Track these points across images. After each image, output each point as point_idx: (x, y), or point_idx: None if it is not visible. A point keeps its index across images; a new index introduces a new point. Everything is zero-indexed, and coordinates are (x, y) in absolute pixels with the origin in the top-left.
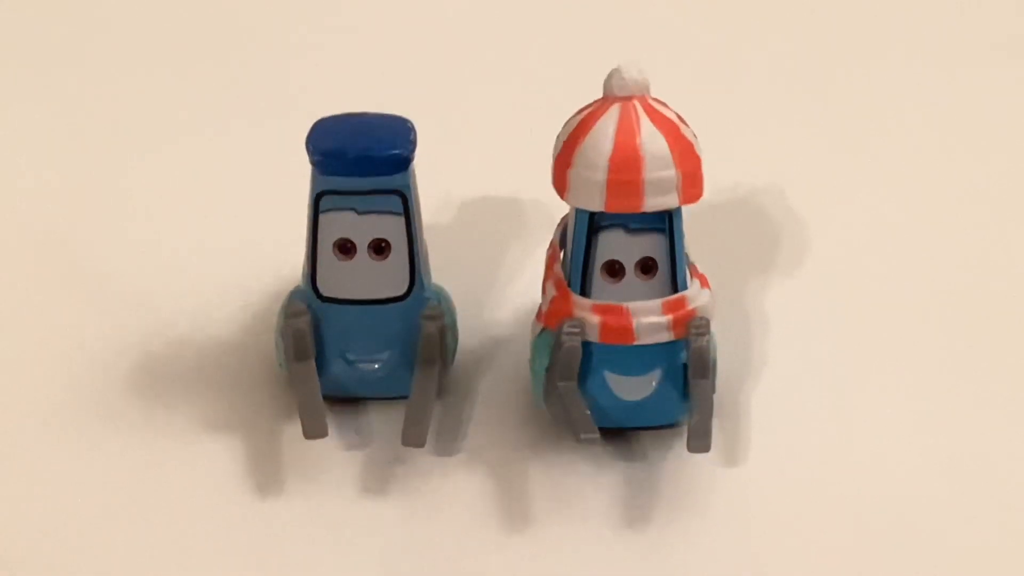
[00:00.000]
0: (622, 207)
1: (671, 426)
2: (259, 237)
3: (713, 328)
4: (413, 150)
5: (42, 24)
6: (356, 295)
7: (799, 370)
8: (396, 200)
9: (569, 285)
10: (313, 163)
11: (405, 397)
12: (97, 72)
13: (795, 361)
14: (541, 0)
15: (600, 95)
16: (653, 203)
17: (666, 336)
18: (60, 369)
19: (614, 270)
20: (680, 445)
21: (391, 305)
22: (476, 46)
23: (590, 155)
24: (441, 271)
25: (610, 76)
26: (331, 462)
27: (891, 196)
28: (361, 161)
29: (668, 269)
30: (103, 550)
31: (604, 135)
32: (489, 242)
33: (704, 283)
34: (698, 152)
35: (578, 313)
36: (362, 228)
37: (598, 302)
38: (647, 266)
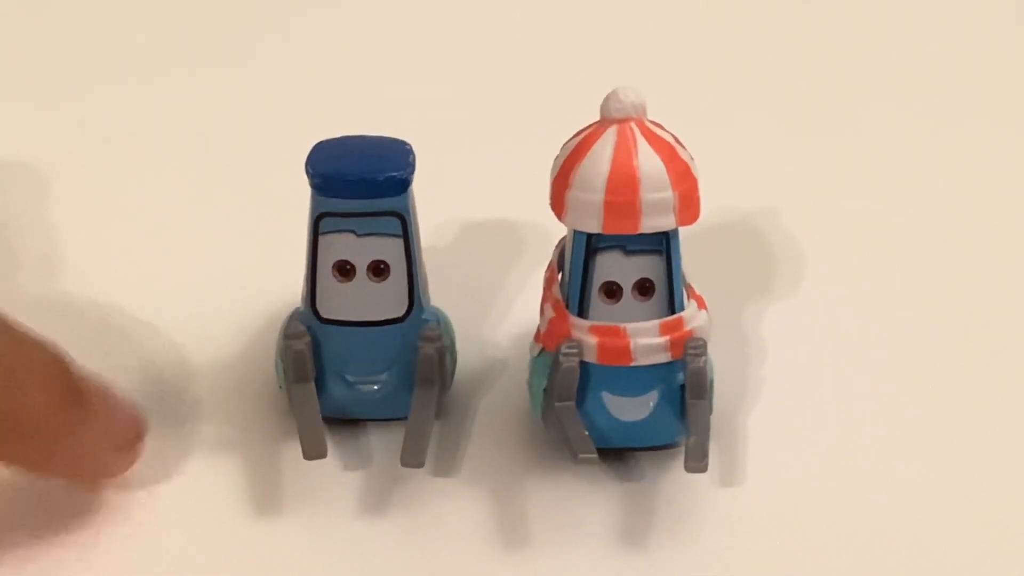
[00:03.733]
0: (619, 228)
1: (669, 446)
2: (258, 259)
3: (710, 349)
4: (412, 172)
5: (37, 57)
6: (355, 316)
7: (796, 390)
8: (395, 222)
9: (567, 306)
10: (313, 185)
11: (404, 418)
12: (94, 87)
13: (792, 381)
14: (539, 24)
15: (597, 117)
16: (650, 224)
17: (663, 357)
18: None
19: (612, 291)
20: (677, 465)
21: (390, 326)
22: (474, 69)
23: (587, 177)
24: (440, 293)
25: (607, 99)
26: (330, 483)
27: (889, 218)
28: (360, 183)
29: (665, 290)
30: (98, 572)
31: (601, 157)
32: (488, 264)
33: (701, 304)
34: (695, 174)
35: (576, 334)
36: (361, 250)
37: (596, 323)
38: (644, 287)
